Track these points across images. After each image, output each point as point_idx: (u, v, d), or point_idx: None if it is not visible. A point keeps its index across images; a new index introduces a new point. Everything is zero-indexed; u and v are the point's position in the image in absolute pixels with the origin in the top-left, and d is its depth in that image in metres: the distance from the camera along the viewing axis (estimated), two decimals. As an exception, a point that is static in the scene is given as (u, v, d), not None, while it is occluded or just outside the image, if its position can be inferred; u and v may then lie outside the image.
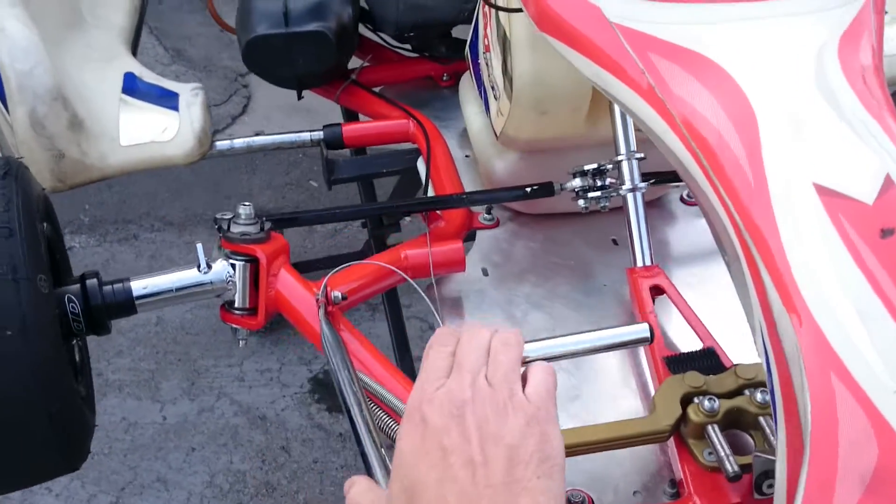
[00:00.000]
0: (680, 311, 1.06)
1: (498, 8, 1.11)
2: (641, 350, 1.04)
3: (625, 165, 1.12)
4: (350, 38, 1.47)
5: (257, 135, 1.46)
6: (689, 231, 1.26)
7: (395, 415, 0.88)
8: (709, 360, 0.98)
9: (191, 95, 1.40)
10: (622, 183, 1.13)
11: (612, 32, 0.77)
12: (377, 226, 1.77)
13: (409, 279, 1.06)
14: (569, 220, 1.28)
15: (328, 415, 2.06)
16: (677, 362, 0.98)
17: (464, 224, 1.23)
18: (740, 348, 0.98)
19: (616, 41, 0.77)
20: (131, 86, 1.43)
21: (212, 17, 1.67)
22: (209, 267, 0.99)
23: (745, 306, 0.72)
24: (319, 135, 1.44)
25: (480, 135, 1.33)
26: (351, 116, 1.64)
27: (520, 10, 1.00)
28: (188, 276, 0.99)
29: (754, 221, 0.68)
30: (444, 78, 1.61)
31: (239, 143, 1.43)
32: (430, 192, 1.34)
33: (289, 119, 2.69)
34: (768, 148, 0.70)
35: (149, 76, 1.47)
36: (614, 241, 1.26)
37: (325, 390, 2.11)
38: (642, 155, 1.12)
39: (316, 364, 2.18)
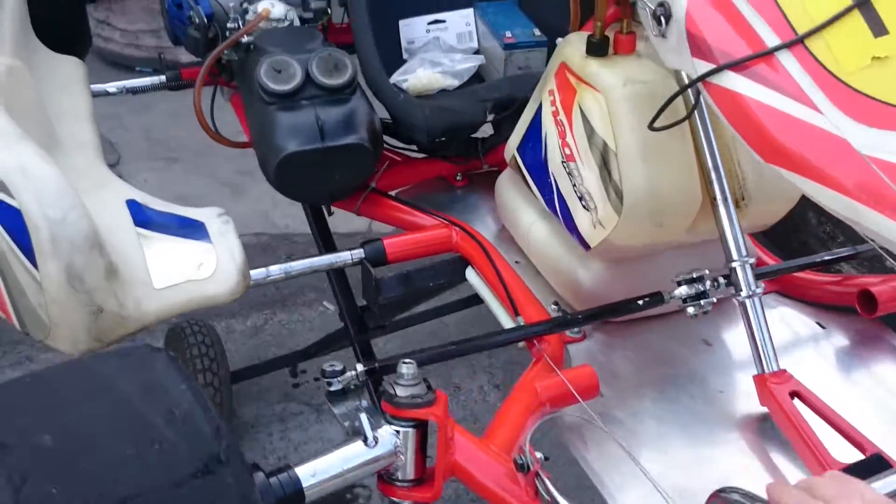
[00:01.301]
0: (826, 419, 1.04)
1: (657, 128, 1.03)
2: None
3: (739, 271, 1.11)
4: (380, 146, 1.38)
5: (290, 258, 1.33)
6: (783, 329, 1.25)
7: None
8: (880, 466, 0.97)
9: (220, 223, 1.25)
10: (738, 289, 1.11)
11: (865, 166, 0.75)
12: (361, 329, 1.65)
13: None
14: (652, 324, 1.25)
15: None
16: (854, 474, 0.97)
17: (562, 343, 1.17)
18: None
19: (871, 174, 0.75)
20: (142, 216, 1.26)
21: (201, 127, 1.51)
22: (376, 440, 0.87)
23: None
24: (360, 253, 1.33)
25: (547, 243, 1.27)
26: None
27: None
28: (355, 451, 0.86)
29: None
30: (458, 178, 1.55)
31: (275, 270, 1.30)
32: (497, 308, 1.27)
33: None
34: None
35: (153, 202, 1.30)
36: (706, 342, 1.24)
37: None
38: (754, 260, 1.11)
39: None
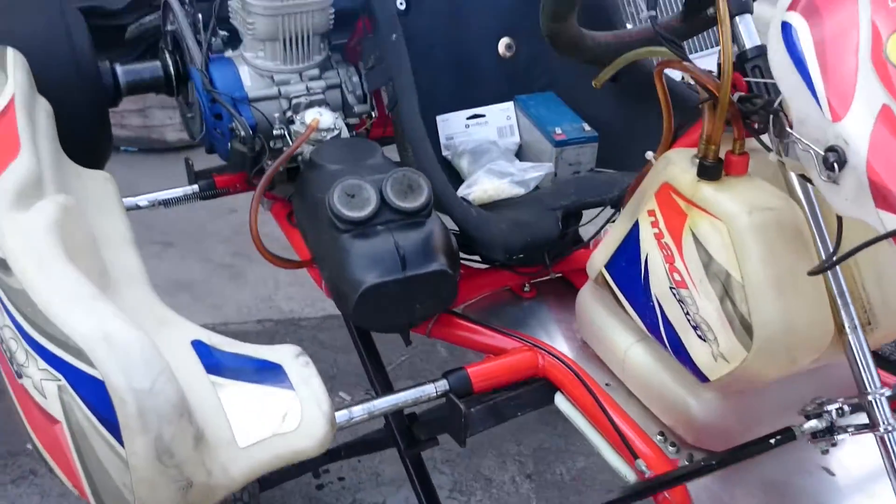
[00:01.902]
0: None
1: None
2: None
3: (876, 405, 1.04)
4: (458, 267, 1.29)
5: (368, 394, 1.24)
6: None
7: None
8: None
9: (300, 366, 1.15)
10: (875, 423, 1.04)
11: None
12: (412, 443, 1.55)
13: None
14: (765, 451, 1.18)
15: None
16: None
17: (688, 493, 1.09)
18: None
19: None
20: (212, 361, 1.16)
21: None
22: None
23: None
24: (444, 385, 1.24)
25: (649, 369, 1.20)
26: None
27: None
28: None
29: None
30: (526, 289, 1.47)
31: (358, 411, 1.20)
32: (602, 445, 1.19)
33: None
34: None
35: (219, 341, 1.20)
36: (827, 471, 1.17)
37: None
38: (890, 392, 1.05)
39: None
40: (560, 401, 1.26)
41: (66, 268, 1.03)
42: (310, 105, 1.53)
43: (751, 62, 1.07)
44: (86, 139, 1.65)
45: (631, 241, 1.20)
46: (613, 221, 1.41)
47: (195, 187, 1.68)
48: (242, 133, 1.46)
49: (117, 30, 1.98)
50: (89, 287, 1.01)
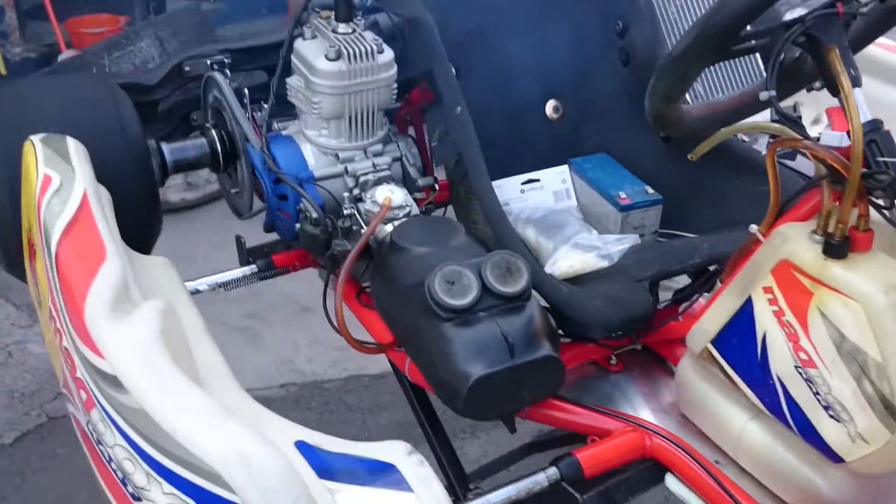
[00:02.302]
0: None
1: None
2: None
3: None
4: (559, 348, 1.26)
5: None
6: None
7: None
8: None
9: (415, 465, 1.10)
10: None
11: None
12: None
13: None
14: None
15: None
16: None
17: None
18: None
19: None
20: (320, 463, 1.11)
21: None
22: None
23: None
24: (555, 474, 1.20)
25: (769, 448, 1.17)
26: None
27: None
28: None
29: None
30: (612, 362, 1.44)
31: (478, 505, 1.15)
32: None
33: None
34: None
35: (321, 440, 1.15)
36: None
37: None
38: None
39: None
40: (671, 482, 1.23)
41: (183, 382, 0.98)
42: (377, 182, 1.49)
43: (867, 137, 1.05)
44: (139, 222, 1.60)
45: (743, 318, 1.17)
46: (707, 292, 1.39)
47: (253, 268, 1.63)
48: (314, 215, 1.42)
49: (151, 104, 1.94)
50: (210, 402, 0.96)
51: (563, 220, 1.52)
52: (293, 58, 1.51)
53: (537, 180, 1.75)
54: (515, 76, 1.83)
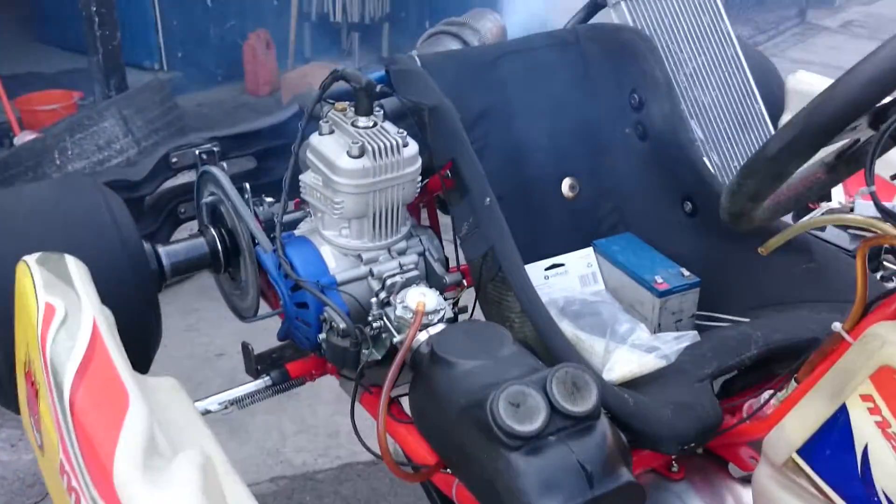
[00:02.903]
0: None
1: None
2: None
3: None
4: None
5: None
6: None
7: None
8: None
9: None
10: None
11: None
12: None
13: None
14: None
15: None
16: None
17: None
18: None
19: None
20: None
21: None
22: None
23: None
24: None
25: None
26: None
27: None
28: None
29: None
30: (674, 469, 1.33)
31: None
32: None
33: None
34: None
35: None
36: None
37: None
38: None
39: None
40: None
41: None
42: (406, 284, 1.38)
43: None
44: (139, 338, 1.46)
45: (837, 428, 1.08)
46: (779, 390, 1.30)
47: (267, 380, 1.50)
48: (342, 326, 1.29)
49: (137, 201, 1.80)
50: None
51: (604, 312, 1.42)
52: (308, 154, 1.39)
53: (561, 265, 1.66)
54: (528, 155, 1.75)
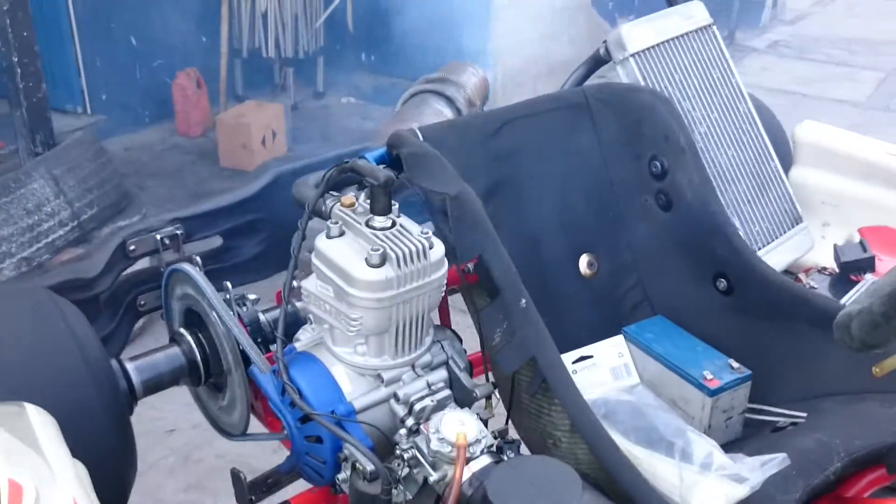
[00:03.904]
0: None
1: None
2: None
3: None
4: None
5: None
6: None
7: None
8: None
9: None
10: None
11: None
12: None
13: None
14: None
15: None
16: None
17: None
18: None
19: None
20: None
21: None
22: None
23: None
24: None
25: None
26: None
27: None
28: None
29: None
30: None
31: None
32: None
33: None
34: None
35: None
36: None
37: None
38: None
39: None
40: None
41: None
42: (437, 407, 1.17)
43: None
44: (114, 479, 1.23)
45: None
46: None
47: None
48: (370, 468, 1.08)
49: (92, 300, 1.56)
50: None
51: (655, 420, 1.25)
52: (314, 259, 1.17)
53: (590, 356, 1.47)
54: (541, 232, 1.57)
